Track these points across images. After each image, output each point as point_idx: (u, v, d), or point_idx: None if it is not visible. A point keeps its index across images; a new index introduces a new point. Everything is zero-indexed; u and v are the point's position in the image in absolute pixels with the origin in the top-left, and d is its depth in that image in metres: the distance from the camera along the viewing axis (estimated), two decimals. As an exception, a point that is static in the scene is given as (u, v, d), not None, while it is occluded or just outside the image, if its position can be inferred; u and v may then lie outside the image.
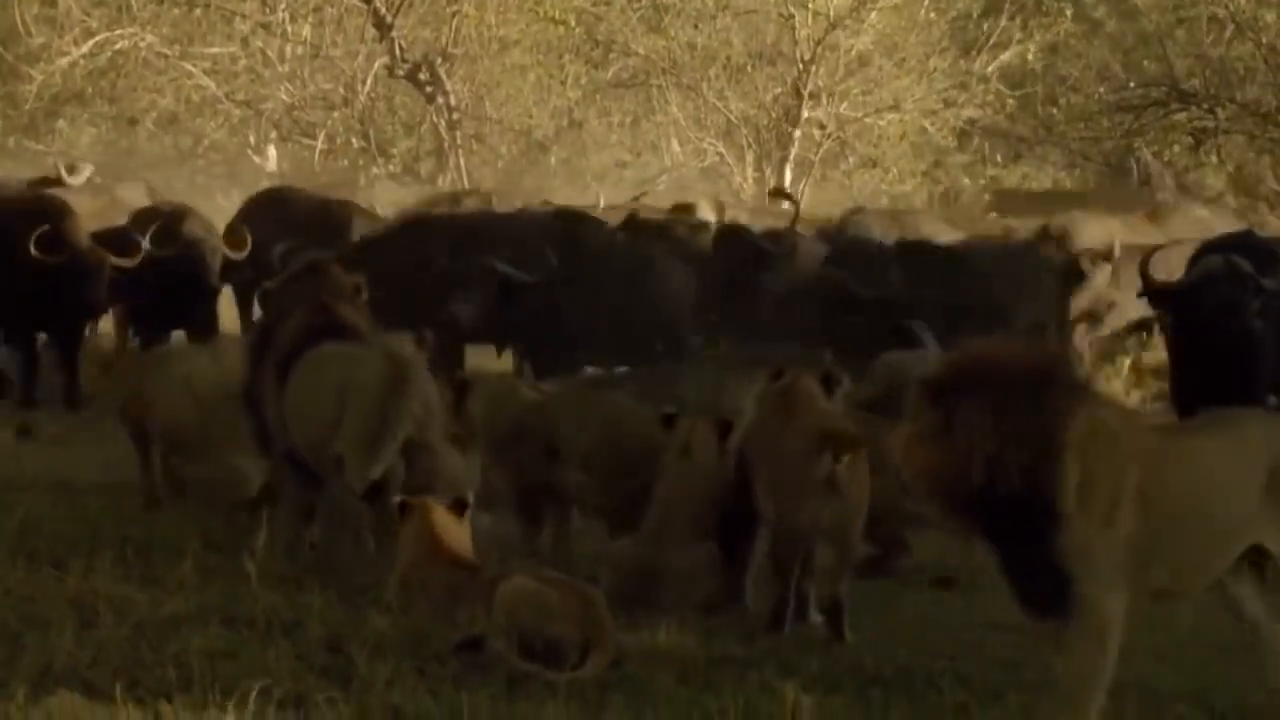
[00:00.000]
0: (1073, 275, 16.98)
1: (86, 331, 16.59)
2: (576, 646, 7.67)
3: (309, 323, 10.00)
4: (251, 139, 33.84)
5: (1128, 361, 17.34)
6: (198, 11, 32.41)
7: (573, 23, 32.70)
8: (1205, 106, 31.94)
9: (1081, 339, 17.12)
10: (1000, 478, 6.89)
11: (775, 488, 8.87)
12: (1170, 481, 7.11)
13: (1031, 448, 6.92)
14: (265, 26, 32.52)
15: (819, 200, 29.01)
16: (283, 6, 32.44)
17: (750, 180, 32.30)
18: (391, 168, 33.21)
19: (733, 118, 32.58)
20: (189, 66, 32.17)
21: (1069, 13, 34.52)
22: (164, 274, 15.69)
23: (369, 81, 32.53)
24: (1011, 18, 34.08)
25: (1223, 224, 18.67)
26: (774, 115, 32.51)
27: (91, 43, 31.56)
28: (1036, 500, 6.93)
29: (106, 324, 17.38)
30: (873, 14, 32.02)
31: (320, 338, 9.89)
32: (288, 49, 32.68)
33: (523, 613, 7.79)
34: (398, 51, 31.47)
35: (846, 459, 8.65)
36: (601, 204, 20.26)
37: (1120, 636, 7.12)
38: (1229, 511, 7.14)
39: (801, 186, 31.60)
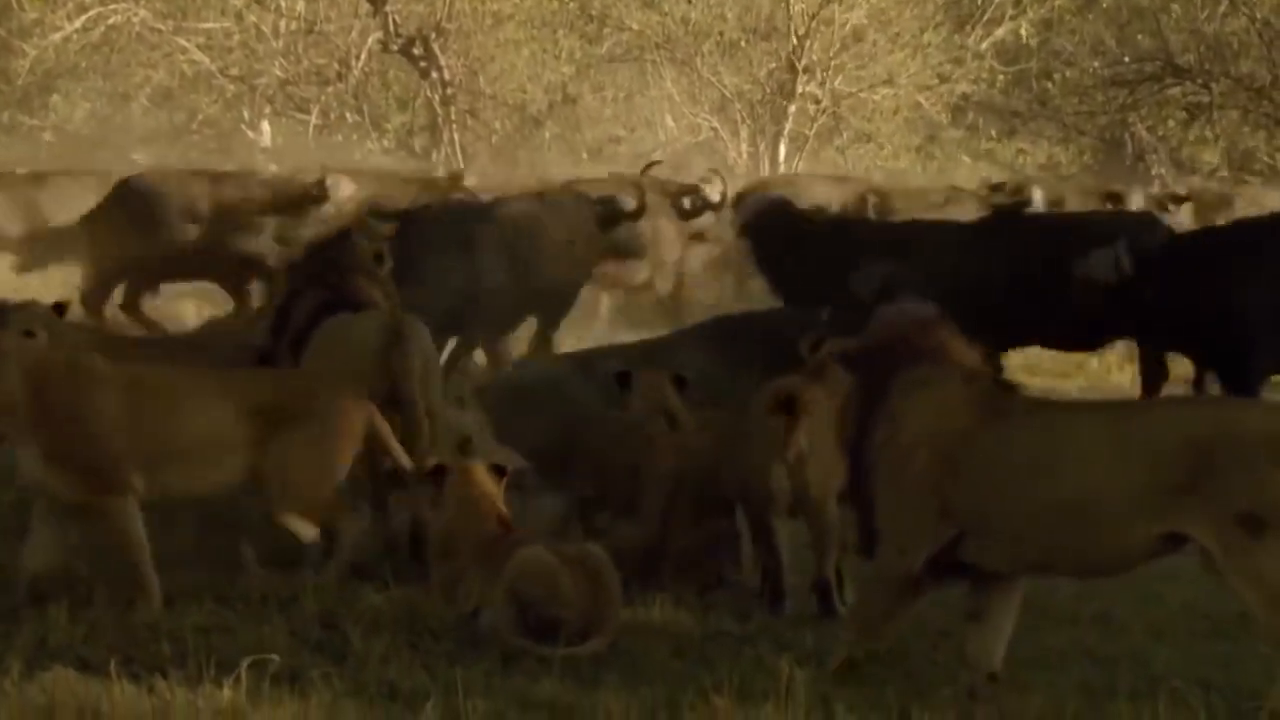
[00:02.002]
0: None
1: None
2: (576, 631, 7.66)
3: (322, 296, 10.00)
4: (245, 114, 33.79)
5: None
6: (191, -14, 32.43)
7: (566, -3, 32.74)
8: (1200, 81, 31.97)
9: None
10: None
11: (743, 454, 8.82)
12: (1001, 453, 7.08)
13: (865, 403, 7.36)
14: (259, 1, 32.48)
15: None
16: (276, -19, 32.44)
17: (745, 155, 32.29)
18: (385, 143, 33.21)
19: (727, 93, 32.57)
20: (182, 41, 32.14)
21: (1064, -13, 34.58)
22: None
23: (363, 56, 32.50)
24: (1006, -8, 34.14)
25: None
26: (768, 90, 32.50)
27: (85, 17, 31.52)
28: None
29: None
30: (867, -12, 32.03)
31: (333, 310, 9.89)
32: (281, 24, 32.65)
33: (529, 586, 7.76)
34: (392, 26, 31.43)
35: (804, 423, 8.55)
36: None
37: (897, 601, 7.23)
38: (1091, 492, 6.88)
39: (796, 162, 31.60)
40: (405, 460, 8.69)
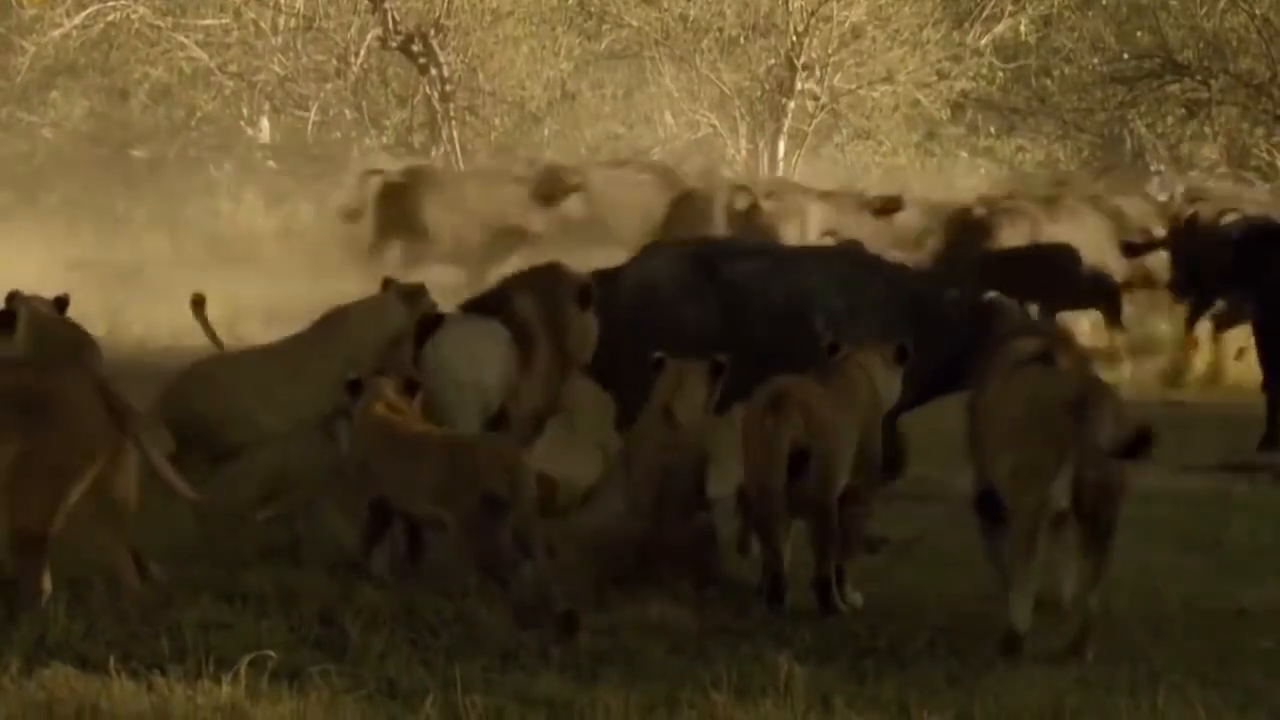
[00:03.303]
0: None
1: None
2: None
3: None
4: (244, 111, 33.77)
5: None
6: (190, -17, 32.41)
7: (565, -6, 32.71)
8: (1199, 78, 31.95)
9: None
10: None
11: (745, 449, 8.80)
12: (986, 406, 8.47)
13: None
14: (258, -2, 32.48)
15: (813, 173, 28.98)
16: (275, -22, 32.42)
17: (744, 152, 32.27)
18: (384, 139, 33.18)
19: (726, 90, 32.53)
20: (181, 38, 32.11)
21: (1063, -16, 34.54)
22: None
23: (362, 53, 32.47)
24: (1005, -11, 34.10)
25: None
26: (767, 87, 32.46)
27: (84, 14, 31.49)
28: None
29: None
30: (866, -15, 32.00)
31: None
32: (280, 20, 32.61)
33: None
34: (390, 23, 31.42)
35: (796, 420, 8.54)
36: None
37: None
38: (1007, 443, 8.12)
39: (795, 159, 31.60)
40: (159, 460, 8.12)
